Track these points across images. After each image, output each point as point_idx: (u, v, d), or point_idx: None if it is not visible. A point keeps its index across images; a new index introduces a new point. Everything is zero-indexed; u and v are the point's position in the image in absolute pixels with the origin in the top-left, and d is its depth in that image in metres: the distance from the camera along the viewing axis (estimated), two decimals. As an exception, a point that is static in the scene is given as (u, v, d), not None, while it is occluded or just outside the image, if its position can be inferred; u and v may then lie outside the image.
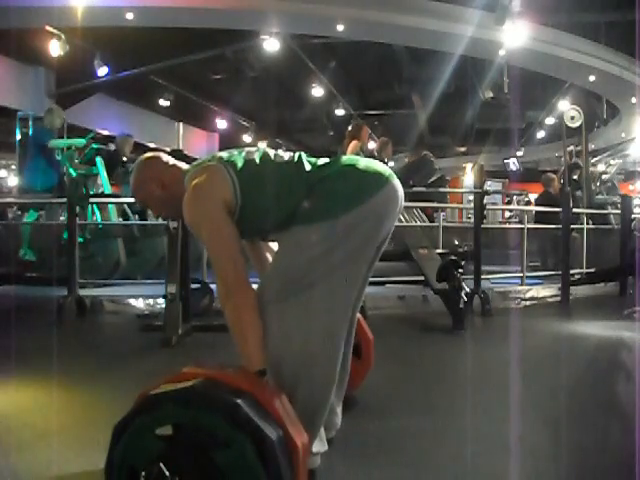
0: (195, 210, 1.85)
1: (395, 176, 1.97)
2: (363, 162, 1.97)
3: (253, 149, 2.02)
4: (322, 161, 1.99)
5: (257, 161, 1.93)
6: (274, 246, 2.13)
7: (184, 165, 2.07)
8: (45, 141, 7.05)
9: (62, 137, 7.46)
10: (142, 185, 2.06)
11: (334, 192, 1.88)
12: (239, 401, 1.46)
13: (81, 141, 6.97)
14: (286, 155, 1.99)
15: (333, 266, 1.83)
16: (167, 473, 1.44)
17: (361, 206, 1.85)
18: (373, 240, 1.93)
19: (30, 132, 7.87)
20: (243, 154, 1.97)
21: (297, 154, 2.00)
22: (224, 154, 1.97)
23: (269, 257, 2.21)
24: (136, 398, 1.56)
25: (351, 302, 1.95)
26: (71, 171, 6.81)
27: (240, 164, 1.90)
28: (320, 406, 1.86)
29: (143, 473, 1.46)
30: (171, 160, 2.09)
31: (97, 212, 6.97)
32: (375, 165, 1.97)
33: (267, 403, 1.53)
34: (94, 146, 7.12)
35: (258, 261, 2.23)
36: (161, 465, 1.45)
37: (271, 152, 2.00)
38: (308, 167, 1.94)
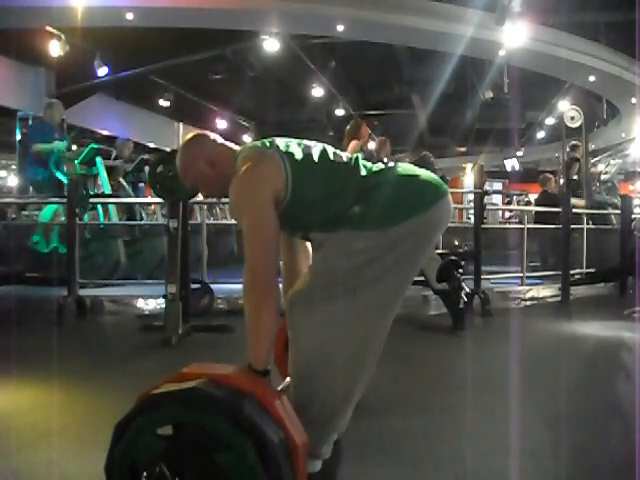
0: (243, 195, 1.79)
1: (448, 190, 1.93)
2: (420, 172, 1.92)
3: (312, 143, 1.97)
4: (378, 167, 1.94)
5: (315, 158, 1.87)
6: (309, 247, 2.08)
7: (233, 145, 2.00)
8: (43, 139, 6.98)
9: (63, 134, 7.41)
10: (191, 164, 1.97)
11: (386, 201, 1.82)
12: (241, 402, 1.46)
13: (62, 144, 6.87)
14: (344, 156, 1.95)
15: (376, 276, 1.79)
16: (168, 473, 1.44)
17: (412, 219, 1.80)
18: (420, 253, 1.90)
19: (28, 130, 7.82)
20: (302, 147, 1.91)
21: (355, 156, 1.96)
22: (281, 143, 1.90)
23: (301, 259, 2.15)
24: (136, 398, 1.56)
25: (390, 313, 1.90)
26: (59, 175, 6.74)
27: (297, 157, 1.84)
28: (337, 414, 1.83)
29: (144, 473, 1.46)
30: (219, 138, 2.01)
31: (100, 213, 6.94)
32: (432, 177, 1.92)
33: (268, 404, 1.52)
34: (94, 146, 7.11)
35: (289, 260, 2.17)
36: (162, 465, 1.44)
37: (330, 150, 1.95)
38: (364, 172, 1.89)
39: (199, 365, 1.68)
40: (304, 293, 1.82)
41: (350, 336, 1.78)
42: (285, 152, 1.84)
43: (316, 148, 1.93)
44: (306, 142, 1.96)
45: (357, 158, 1.94)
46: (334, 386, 1.78)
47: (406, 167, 1.96)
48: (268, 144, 1.89)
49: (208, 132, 2.04)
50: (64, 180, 6.57)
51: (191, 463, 1.44)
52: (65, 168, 6.85)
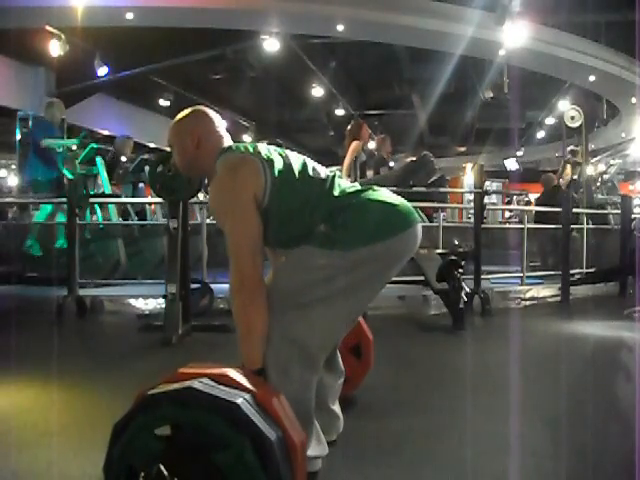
0: (225, 196, 1.80)
1: (419, 219, 1.93)
2: (392, 199, 1.91)
3: (294, 154, 1.97)
4: (352, 188, 1.94)
5: (295, 171, 1.87)
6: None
7: (228, 140, 1.98)
8: (44, 137, 6.95)
9: (63, 133, 7.40)
10: (180, 134, 1.98)
11: (352, 224, 1.83)
12: (239, 401, 1.46)
13: (74, 141, 6.87)
14: (323, 173, 1.94)
15: (332, 293, 1.80)
16: (166, 473, 1.44)
17: (375, 244, 1.81)
18: (380, 278, 1.92)
19: (30, 128, 7.81)
20: (283, 156, 1.91)
21: (332, 175, 1.95)
22: (264, 150, 1.90)
23: None
24: (135, 398, 1.56)
25: (342, 329, 1.95)
26: (66, 172, 6.75)
27: (278, 168, 1.84)
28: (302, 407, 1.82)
29: (142, 473, 1.46)
30: (222, 129, 1.99)
31: (98, 212, 6.94)
32: (403, 205, 1.91)
33: (266, 403, 1.53)
34: (94, 146, 7.11)
35: (274, 261, 2.16)
36: (160, 465, 1.44)
37: (310, 165, 1.94)
38: (337, 192, 1.89)
39: (196, 365, 1.68)
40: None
41: (297, 346, 1.79)
42: (267, 159, 1.85)
43: (297, 160, 1.93)
44: (288, 152, 1.96)
45: (334, 177, 1.94)
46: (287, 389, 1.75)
47: (380, 192, 1.95)
48: (251, 149, 1.89)
49: (215, 114, 2.02)
50: (70, 177, 6.55)
51: (189, 463, 1.44)
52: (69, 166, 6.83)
